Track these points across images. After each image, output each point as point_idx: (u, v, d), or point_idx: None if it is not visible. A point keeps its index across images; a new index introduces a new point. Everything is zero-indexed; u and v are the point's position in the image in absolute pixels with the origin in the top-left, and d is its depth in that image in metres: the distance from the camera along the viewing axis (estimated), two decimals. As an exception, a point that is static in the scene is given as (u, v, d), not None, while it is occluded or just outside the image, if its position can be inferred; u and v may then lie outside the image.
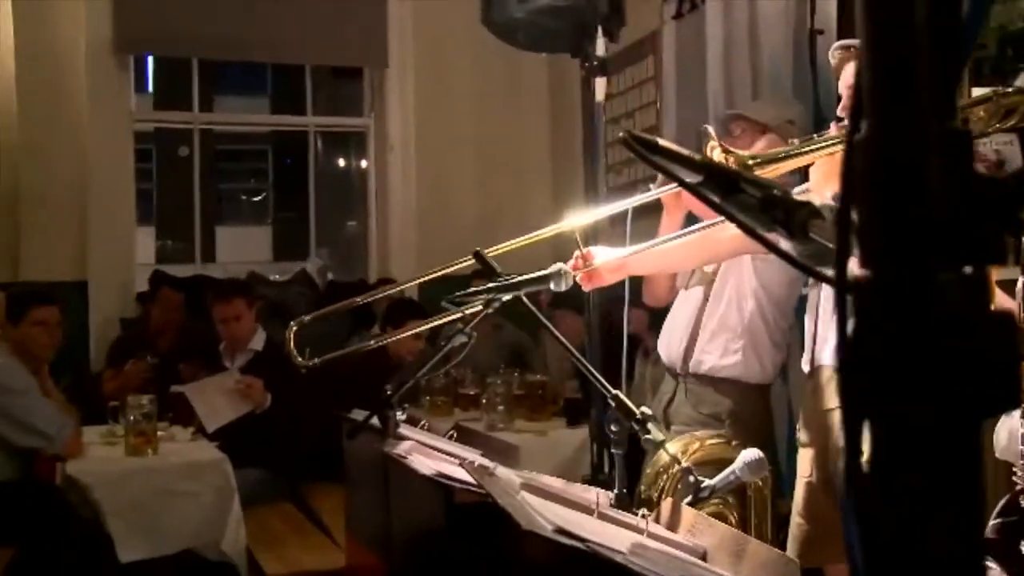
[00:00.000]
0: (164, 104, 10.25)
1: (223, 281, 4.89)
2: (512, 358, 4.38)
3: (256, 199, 15.21)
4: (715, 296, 2.62)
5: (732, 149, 1.83)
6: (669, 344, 2.73)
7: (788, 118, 2.72)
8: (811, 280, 2.23)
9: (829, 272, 0.81)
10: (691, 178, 0.77)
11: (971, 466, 0.38)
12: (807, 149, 1.84)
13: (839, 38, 2.99)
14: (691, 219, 2.59)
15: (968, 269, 0.39)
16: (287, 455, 3.94)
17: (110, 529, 3.03)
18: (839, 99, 2.08)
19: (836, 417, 2.08)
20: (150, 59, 8.92)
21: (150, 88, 11.17)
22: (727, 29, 3.68)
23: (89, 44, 5.13)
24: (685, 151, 0.85)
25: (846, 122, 2.02)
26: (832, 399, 2.09)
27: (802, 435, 2.21)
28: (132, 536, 3.06)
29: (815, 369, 2.16)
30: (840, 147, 1.89)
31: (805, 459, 2.19)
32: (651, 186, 2.50)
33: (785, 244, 0.77)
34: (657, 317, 3.04)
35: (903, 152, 0.39)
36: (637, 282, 2.82)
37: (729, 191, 0.79)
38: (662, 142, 0.84)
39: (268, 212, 14.98)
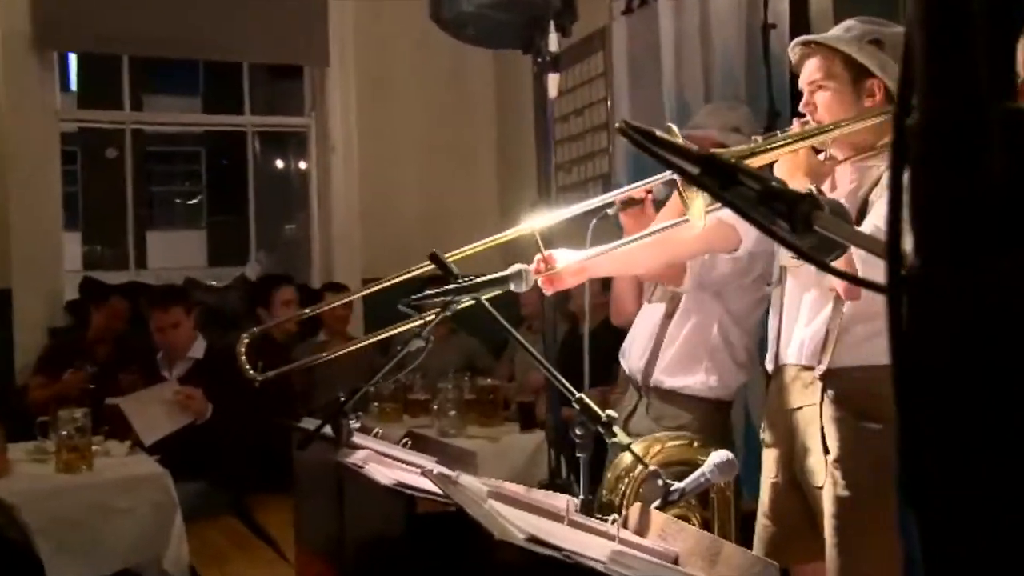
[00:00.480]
0: (89, 103, 9.89)
1: (160, 288, 4.73)
2: (464, 363, 4.31)
3: (190, 202, 14.84)
4: (679, 317, 2.59)
5: (695, 147, 1.77)
6: (631, 358, 2.70)
7: (733, 125, 2.68)
8: (774, 278, 2.20)
9: (835, 264, 0.77)
10: (690, 169, 0.74)
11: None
12: (771, 147, 1.80)
13: (792, 32, 2.98)
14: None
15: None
16: (230, 467, 3.82)
17: (40, 551, 2.88)
18: (799, 96, 2.05)
19: (800, 417, 2.06)
20: (72, 55, 8.57)
21: (73, 86, 10.79)
22: (679, 24, 3.66)
23: (5, 40, 4.88)
24: (684, 142, 0.82)
25: (808, 118, 2.01)
26: (796, 399, 2.06)
27: (766, 435, 2.18)
28: (64, 557, 2.93)
29: (779, 368, 2.12)
30: (802, 144, 1.86)
31: (770, 459, 2.16)
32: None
33: (788, 236, 0.73)
34: None
35: (962, 135, 0.36)
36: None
37: (727, 183, 0.76)
38: (660, 133, 0.80)
39: (202, 216, 14.62)
